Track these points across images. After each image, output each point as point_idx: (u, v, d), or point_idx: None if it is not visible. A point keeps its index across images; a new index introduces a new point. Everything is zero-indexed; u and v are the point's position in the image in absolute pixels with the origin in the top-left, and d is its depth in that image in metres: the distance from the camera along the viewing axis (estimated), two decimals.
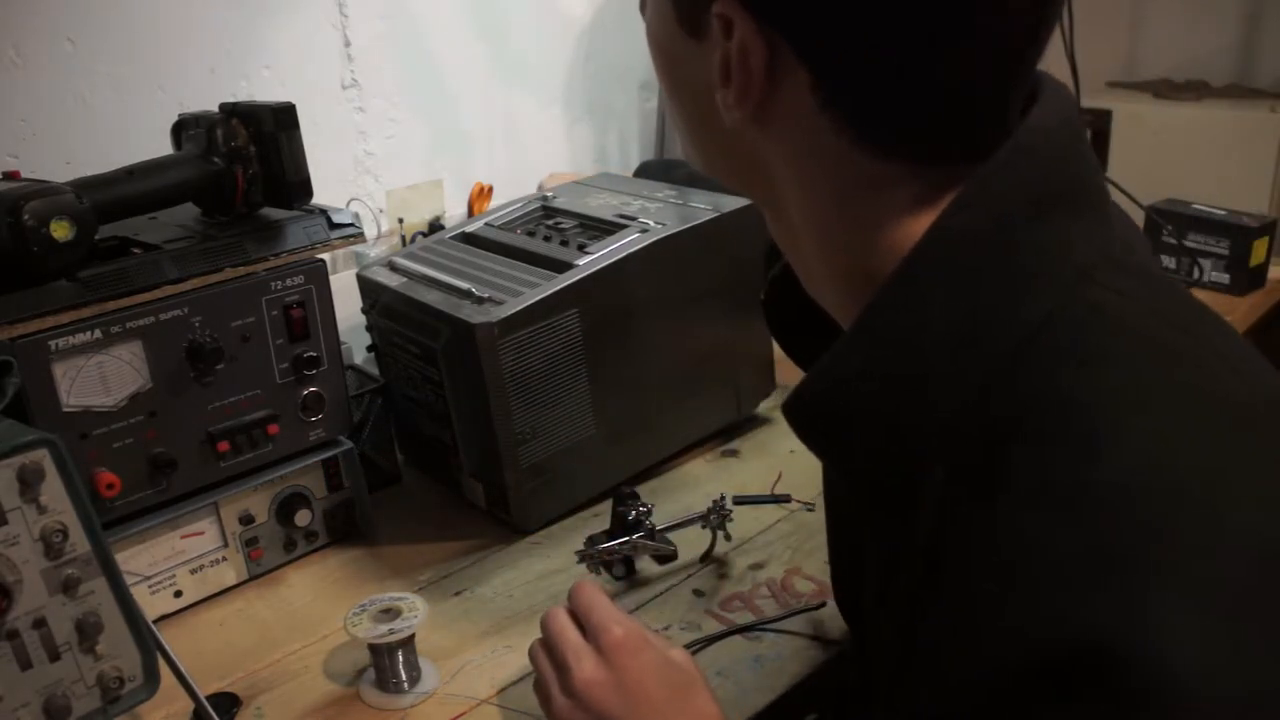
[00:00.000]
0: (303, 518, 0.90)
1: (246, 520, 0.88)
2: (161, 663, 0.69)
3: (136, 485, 0.81)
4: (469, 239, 1.07)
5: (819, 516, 0.94)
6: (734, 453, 1.07)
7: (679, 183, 1.16)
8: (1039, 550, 0.39)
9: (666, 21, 0.50)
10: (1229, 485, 0.39)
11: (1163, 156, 1.60)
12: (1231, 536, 0.38)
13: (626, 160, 1.61)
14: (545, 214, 1.10)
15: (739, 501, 0.90)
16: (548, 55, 1.48)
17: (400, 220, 1.26)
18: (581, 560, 0.85)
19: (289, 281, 0.85)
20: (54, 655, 0.64)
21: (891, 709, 0.49)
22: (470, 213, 1.36)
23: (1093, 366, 0.42)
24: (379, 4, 1.26)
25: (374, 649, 0.75)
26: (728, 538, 0.88)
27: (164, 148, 0.87)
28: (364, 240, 0.93)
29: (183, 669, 0.69)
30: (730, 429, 1.09)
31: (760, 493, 0.93)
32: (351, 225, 0.89)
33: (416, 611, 0.75)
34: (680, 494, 0.99)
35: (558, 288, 0.90)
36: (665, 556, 0.87)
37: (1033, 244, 0.44)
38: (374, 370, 1.05)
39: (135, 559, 0.82)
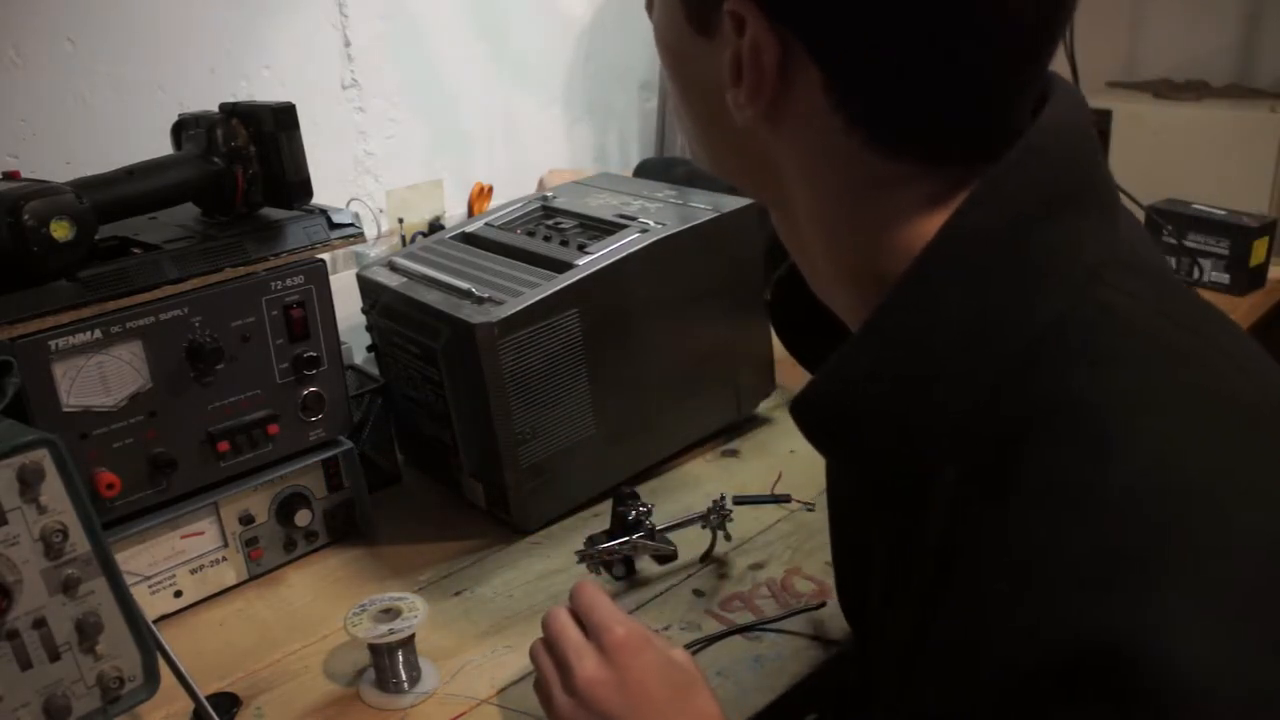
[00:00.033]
0: (303, 518, 0.90)
1: (246, 520, 0.88)
2: (161, 663, 0.69)
3: (136, 485, 0.81)
4: (469, 239, 1.07)
5: (819, 516, 0.94)
6: (734, 453, 1.07)
7: (679, 180, 1.16)
8: (1050, 551, 0.39)
9: (675, 19, 0.50)
10: (1238, 486, 0.39)
11: (1163, 156, 1.60)
12: (1241, 537, 0.38)
13: (626, 160, 1.61)
14: (545, 214, 1.10)
15: (739, 501, 0.90)
16: (548, 55, 1.48)
17: (400, 220, 1.26)
18: (581, 560, 0.85)
19: (289, 281, 0.85)
20: (54, 655, 0.64)
21: (898, 709, 0.49)
22: (470, 213, 1.36)
23: (1103, 367, 0.42)
24: (379, 4, 1.26)
25: (374, 649, 0.75)
26: (728, 538, 0.88)
27: (164, 148, 0.87)
28: (364, 240, 0.93)
29: (183, 669, 0.69)
30: (730, 429, 1.09)
31: (760, 493, 0.93)
32: (351, 225, 0.89)
33: (416, 611, 0.75)
34: (680, 494, 0.99)
35: (558, 288, 0.90)
36: (665, 556, 0.87)
37: (1044, 244, 0.44)
38: (374, 370, 1.05)
39: (135, 559, 0.82)
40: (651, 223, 0.98)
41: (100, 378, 0.77)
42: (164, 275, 0.78)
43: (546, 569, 0.90)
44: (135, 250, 0.82)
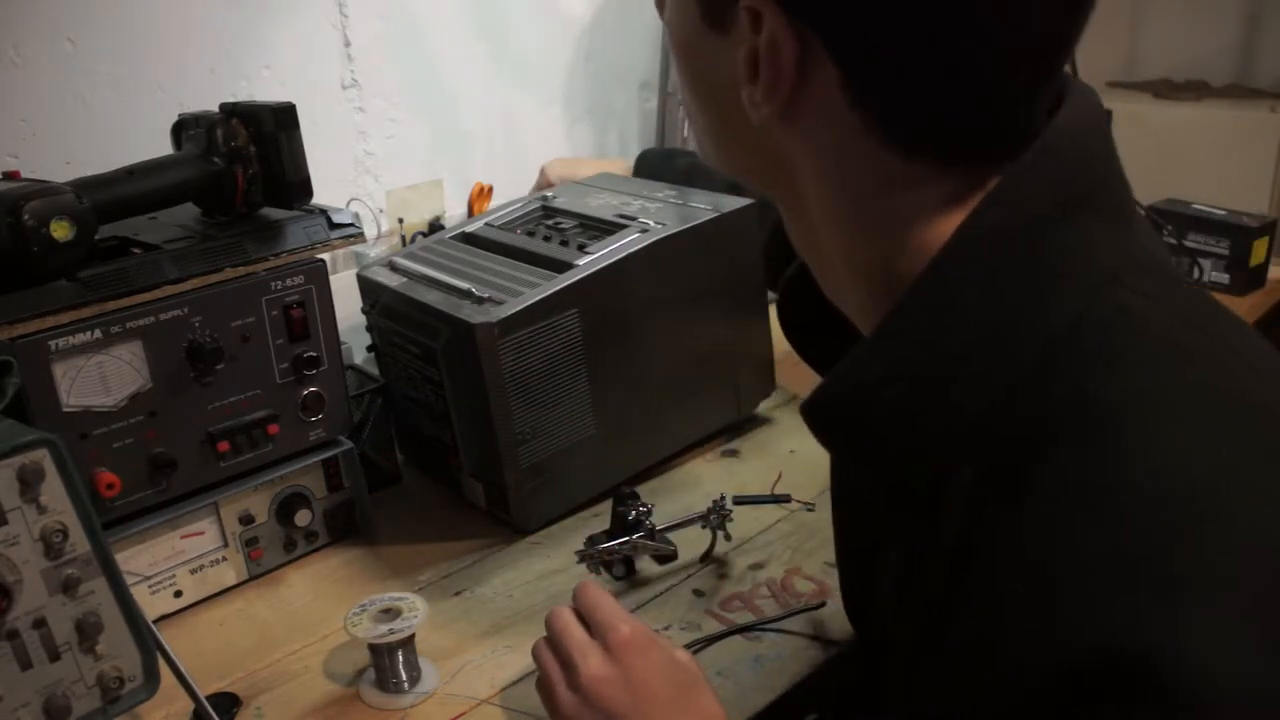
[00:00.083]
0: (303, 518, 0.90)
1: (246, 520, 0.88)
2: (161, 663, 0.69)
3: (136, 485, 0.81)
4: (469, 239, 1.07)
5: (819, 516, 0.94)
6: (734, 453, 1.07)
7: (680, 171, 1.15)
8: (1066, 553, 0.39)
9: (689, 15, 0.50)
10: (1253, 487, 0.39)
11: (1163, 156, 1.60)
12: (1255, 538, 0.37)
13: (627, 160, 1.61)
14: (545, 214, 1.10)
15: (739, 501, 0.90)
16: (548, 55, 1.48)
17: (400, 220, 1.26)
18: (581, 560, 0.85)
19: (289, 281, 0.85)
20: (54, 655, 0.64)
21: (911, 710, 0.49)
22: (470, 213, 1.36)
23: (1120, 369, 0.42)
24: (379, 4, 1.26)
25: (374, 649, 0.75)
26: (728, 538, 0.88)
27: (164, 148, 0.87)
28: (364, 240, 0.93)
29: (183, 669, 0.69)
30: (730, 429, 1.09)
31: (760, 493, 0.93)
32: (351, 225, 0.89)
33: (416, 611, 0.75)
34: (680, 494, 0.99)
35: (558, 288, 0.90)
36: (665, 556, 0.87)
37: (1060, 245, 0.44)
38: (374, 370, 1.05)
39: (135, 559, 0.82)
40: (651, 223, 0.98)
41: (100, 378, 0.77)
42: (164, 275, 0.78)
43: (546, 569, 0.90)
44: (135, 250, 0.82)
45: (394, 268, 1.00)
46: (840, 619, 0.79)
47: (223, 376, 0.83)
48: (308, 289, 0.87)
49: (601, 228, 1.01)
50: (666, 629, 0.81)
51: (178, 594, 0.85)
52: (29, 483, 0.61)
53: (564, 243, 0.99)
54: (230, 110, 0.85)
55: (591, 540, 0.86)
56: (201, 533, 0.86)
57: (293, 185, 0.85)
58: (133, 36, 1.08)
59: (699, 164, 1.15)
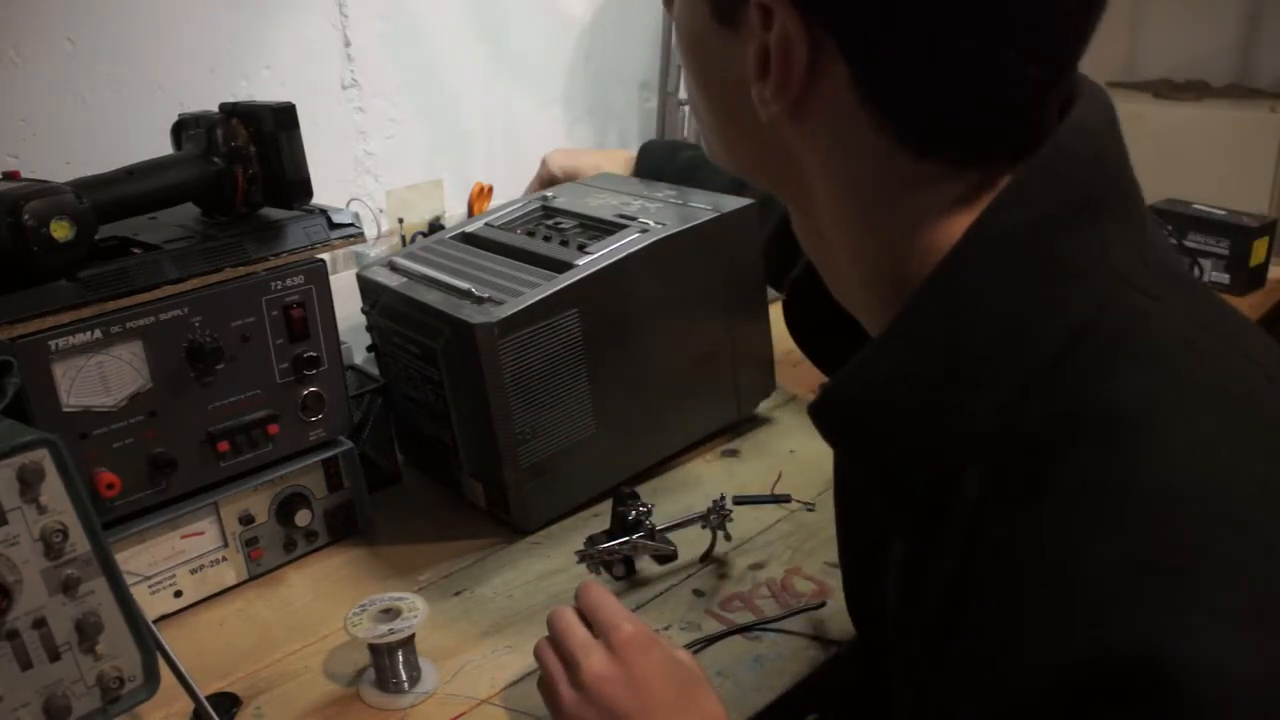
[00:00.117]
0: (303, 518, 0.90)
1: (246, 520, 0.88)
2: (161, 663, 0.69)
3: (136, 485, 0.81)
4: (469, 239, 1.07)
5: (819, 516, 0.94)
6: (734, 453, 1.07)
7: (684, 164, 1.15)
8: (1086, 555, 0.39)
9: (698, 11, 0.49)
10: (1268, 491, 0.39)
11: (1163, 156, 1.60)
12: (1270, 541, 0.37)
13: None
14: (545, 214, 1.10)
15: (739, 501, 0.90)
16: (548, 55, 1.48)
17: (400, 220, 1.26)
18: (581, 560, 0.85)
19: (289, 281, 0.85)
20: (54, 655, 0.64)
21: (918, 710, 0.49)
22: (470, 213, 1.36)
23: (1133, 370, 0.42)
24: (379, 4, 1.26)
25: (374, 649, 0.75)
26: (728, 538, 0.88)
27: (164, 148, 0.87)
28: (364, 240, 0.93)
29: (183, 669, 0.69)
30: (730, 429, 1.09)
31: (760, 493, 0.93)
32: (351, 225, 0.89)
33: (416, 611, 0.75)
34: (680, 494, 0.99)
35: (558, 288, 0.90)
36: (665, 556, 0.87)
37: (1072, 247, 0.44)
38: (374, 370, 1.05)
39: (135, 559, 0.82)
40: (651, 223, 0.98)
41: (100, 378, 0.77)
42: (164, 275, 0.78)
43: (546, 569, 0.90)
44: (135, 250, 0.82)
45: (394, 268, 1.00)
46: (840, 619, 0.79)
47: (223, 376, 0.83)
48: (308, 289, 0.87)
49: (601, 228, 1.01)
50: (666, 629, 0.81)
51: (178, 594, 0.85)
52: (29, 483, 0.61)
53: (564, 243, 0.99)
54: (230, 110, 0.85)
55: (591, 540, 0.86)
56: (201, 533, 0.86)
57: (293, 185, 0.85)
58: (133, 36, 1.08)
59: (703, 157, 1.14)
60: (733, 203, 1.01)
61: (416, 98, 1.33)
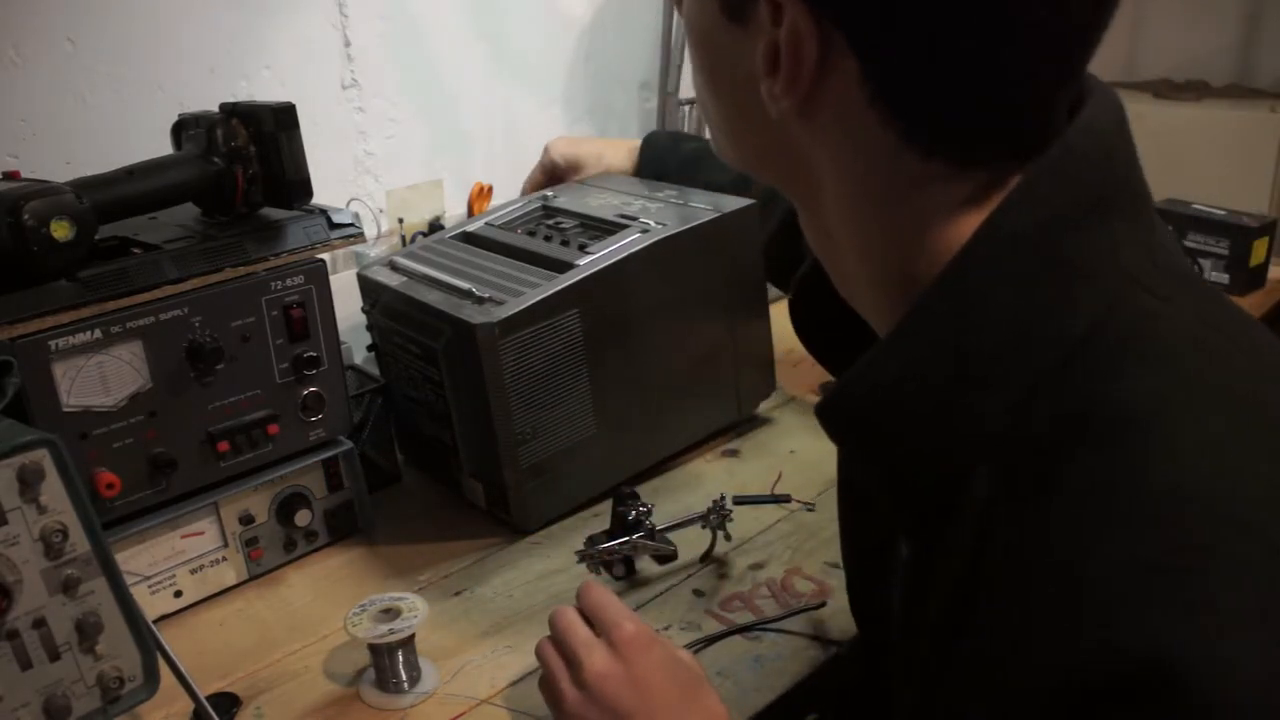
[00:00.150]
0: (303, 518, 0.90)
1: (246, 520, 0.88)
2: (161, 663, 0.69)
3: (136, 485, 0.81)
4: (469, 239, 1.07)
5: (819, 516, 0.94)
6: (734, 453, 1.07)
7: (688, 155, 1.14)
8: (1095, 555, 0.38)
9: (708, 7, 0.49)
10: (1278, 491, 0.39)
11: (1163, 156, 1.60)
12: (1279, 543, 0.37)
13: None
14: (545, 214, 1.10)
15: (739, 501, 0.90)
16: (548, 55, 1.48)
17: (400, 220, 1.26)
18: (581, 560, 0.85)
19: (289, 281, 0.85)
20: (54, 655, 0.64)
21: (927, 710, 0.49)
22: (470, 213, 1.36)
23: (1142, 371, 0.42)
24: (379, 4, 1.26)
25: (374, 649, 0.75)
26: (728, 538, 0.88)
27: (164, 148, 0.87)
28: (364, 240, 0.93)
29: (183, 669, 0.69)
30: (730, 429, 1.09)
31: (760, 493, 0.93)
32: (351, 225, 0.89)
33: (416, 611, 0.75)
34: (680, 494, 0.99)
35: (558, 288, 0.90)
36: (665, 556, 0.87)
37: (1082, 247, 0.44)
38: (374, 370, 1.05)
39: (135, 559, 0.82)
40: (652, 223, 0.98)
41: (100, 378, 0.77)
42: (164, 275, 0.78)
43: (546, 569, 0.90)
44: (135, 250, 0.82)
45: (394, 267, 1.00)
46: (840, 619, 0.79)
47: (223, 376, 0.83)
48: (308, 289, 0.87)
49: (602, 228, 1.01)
50: (666, 629, 0.81)
51: (178, 594, 0.85)
52: (29, 483, 0.61)
53: (564, 243, 0.99)
54: (230, 110, 0.85)
55: (591, 540, 0.86)
56: (201, 533, 0.86)
57: (293, 185, 0.85)
58: (133, 36, 1.07)
59: (707, 149, 1.13)
60: (733, 203, 1.01)
61: (416, 98, 1.33)
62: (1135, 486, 0.39)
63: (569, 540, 0.92)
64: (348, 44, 1.24)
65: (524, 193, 1.22)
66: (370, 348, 1.04)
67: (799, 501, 0.94)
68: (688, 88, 1.53)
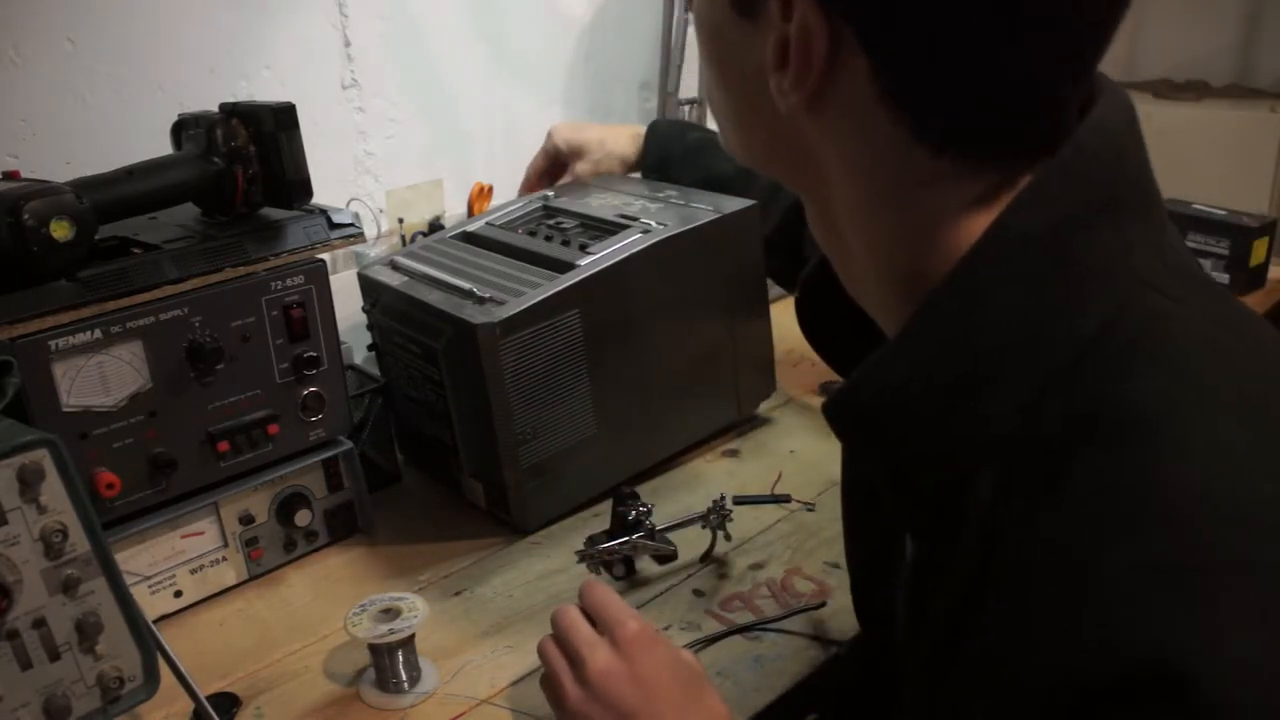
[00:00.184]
0: (303, 518, 0.90)
1: (246, 520, 0.88)
2: (161, 663, 0.69)
3: (136, 485, 0.81)
4: (470, 238, 1.07)
5: (819, 517, 0.94)
6: (734, 453, 1.07)
7: (691, 145, 1.13)
8: (1105, 557, 0.38)
9: (717, 4, 0.49)
10: None
11: (1163, 156, 1.60)
12: None
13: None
14: (546, 214, 1.09)
15: (739, 501, 0.90)
16: (548, 55, 1.48)
17: (400, 220, 1.26)
18: (581, 560, 0.84)
19: (289, 281, 0.85)
20: (54, 655, 0.64)
21: (932, 709, 0.49)
22: (470, 213, 1.36)
23: (1153, 371, 0.41)
24: (379, 4, 1.26)
25: (374, 649, 0.75)
26: (728, 538, 0.87)
27: (164, 148, 0.87)
28: (364, 240, 0.93)
29: (183, 669, 0.69)
30: (730, 429, 1.09)
31: (760, 493, 0.93)
32: (351, 225, 0.89)
33: (416, 611, 0.75)
34: (680, 494, 0.99)
35: (559, 288, 0.90)
36: (665, 556, 0.87)
37: (1092, 247, 0.44)
38: (374, 370, 1.05)
39: (135, 559, 0.82)
40: (653, 223, 0.98)
41: (100, 378, 0.77)
42: (164, 275, 0.78)
43: (546, 569, 0.90)
44: (135, 250, 0.82)
45: (395, 267, 1.00)
46: (840, 619, 0.79)
47: (223, 376, 0.83)
48: (308, 289, 0.87)
49: (603, 228, 1.01)
50: (666, 629, 0.81)
51: (178, 594, 0.85)
52: (29, 483, 0.61)
53: (565, 243, 0.99)
54: (230, 110, 0.85)
55: (591, 540, 0.86)
56: (201, 533, 0.86)
57: (293, 185, 0.85)
58: (133, 36, 1.07)
59: (712, 139, 1.12)
60: (734, 204, 1.01)
61: (416, 98, 1.33)
62: (1143, 487, 0.39)
63: (569, 540, 0.92)
64: (348, 44, 1.24)
65: (526, 178, 1.21)
66: (370, 347, 1.04)
67: (799, 501, 0.94)
68: (688, 88, 1.53)
